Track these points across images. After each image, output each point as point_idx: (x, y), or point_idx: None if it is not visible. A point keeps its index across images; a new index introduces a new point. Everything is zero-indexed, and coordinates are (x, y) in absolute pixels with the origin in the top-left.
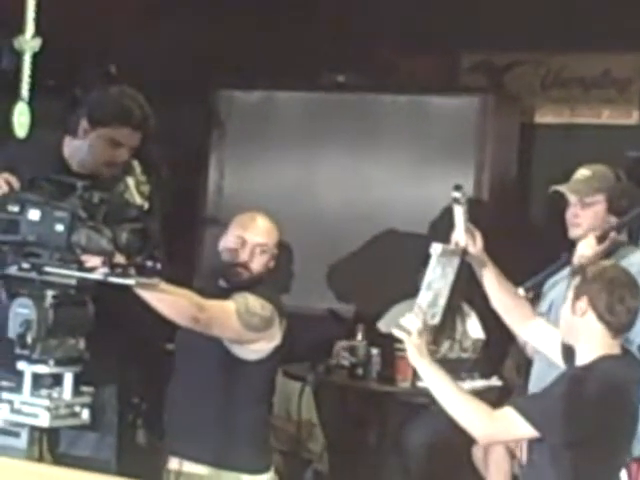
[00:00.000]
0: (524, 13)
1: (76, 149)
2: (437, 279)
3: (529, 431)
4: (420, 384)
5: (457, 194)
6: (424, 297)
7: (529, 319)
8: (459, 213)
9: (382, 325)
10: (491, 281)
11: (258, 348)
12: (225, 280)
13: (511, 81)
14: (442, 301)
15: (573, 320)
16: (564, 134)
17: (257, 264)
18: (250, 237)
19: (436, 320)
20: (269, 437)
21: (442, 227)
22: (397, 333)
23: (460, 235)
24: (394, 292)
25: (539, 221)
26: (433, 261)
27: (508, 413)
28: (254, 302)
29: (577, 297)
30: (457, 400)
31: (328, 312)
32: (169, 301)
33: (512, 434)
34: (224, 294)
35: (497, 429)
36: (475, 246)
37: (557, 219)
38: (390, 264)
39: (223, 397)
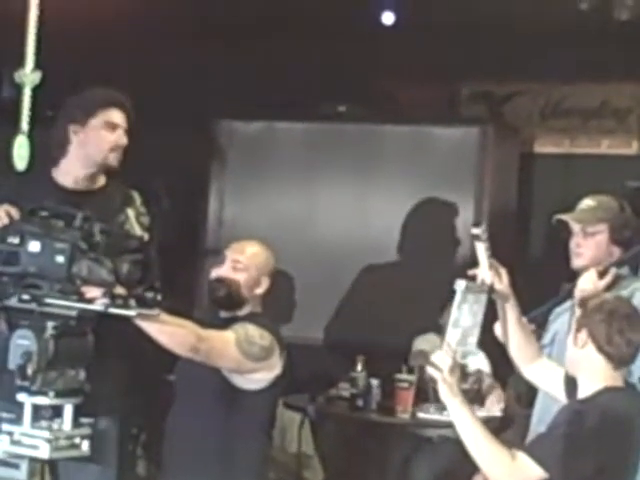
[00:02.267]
0: (523, 44)
1: (68, 165)
2: (464, 317)
3: (543, 474)
4: (421, 415)
5: (477, 231)
6: (452, 334)
7: (536, 359)
8: (481, 250)
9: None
10: (512, 318)
11: (258, 378)
12: (211, 301)
13: (511, 111)
14: (472, 340)
15: (575, 352)
16: (563, 164)
17: (237, 282)
18: (229, 253)
19: (468, 360)
20: (268, 468)
21: (445, 258)
22: (431, 371)
23: (485, 272)
24: (395, 322)
25: (539, 251)
26: (458, 297)
27: (523, 460)
28: (253, 331)
29: (578, 329)
30: (483, 445)
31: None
32: (169, 332)
33: (529, 479)
34: (224, 324)
35: (517, 476)
36: (502, 283)
37: (557, 249)
38: (391, 294)
39: (222, 427)
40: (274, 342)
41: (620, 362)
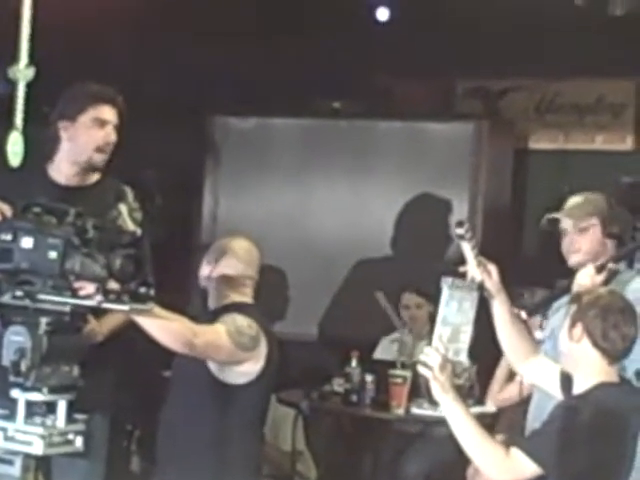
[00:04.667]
0: (518, 39)
1: (59, 160)
2: (453, 314)
3: (537, 470)
4: (415, 411)
5: (460, 230)
6: (441, 332)
7: (530, 356)
8: (467, 249)
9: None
10: (503, 316)
11: (245, 370)
12: (203, 296)
13: (506, 107)
14: (464, 337)
15: (570, 347)
16: (558, 159)
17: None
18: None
19: (461, 357)
20: (260, 463)
21: (439, 253)
22: (422, 370)
23: (473, 270)
24: (390, 318)
25: (533, 246)
26: (445, 294)
27: (517, 455)
28: (241, 321)
29: (573, 324)
30: (476, 441)
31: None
32: (164, 327)
33: (523, 475)
34: (212, 317)
35: (510, 472)
36: (491, 280)
37: (551, 245)
38: (385, 290)
39: (213, 423)
40: (260, 332)
41: (615, 357)
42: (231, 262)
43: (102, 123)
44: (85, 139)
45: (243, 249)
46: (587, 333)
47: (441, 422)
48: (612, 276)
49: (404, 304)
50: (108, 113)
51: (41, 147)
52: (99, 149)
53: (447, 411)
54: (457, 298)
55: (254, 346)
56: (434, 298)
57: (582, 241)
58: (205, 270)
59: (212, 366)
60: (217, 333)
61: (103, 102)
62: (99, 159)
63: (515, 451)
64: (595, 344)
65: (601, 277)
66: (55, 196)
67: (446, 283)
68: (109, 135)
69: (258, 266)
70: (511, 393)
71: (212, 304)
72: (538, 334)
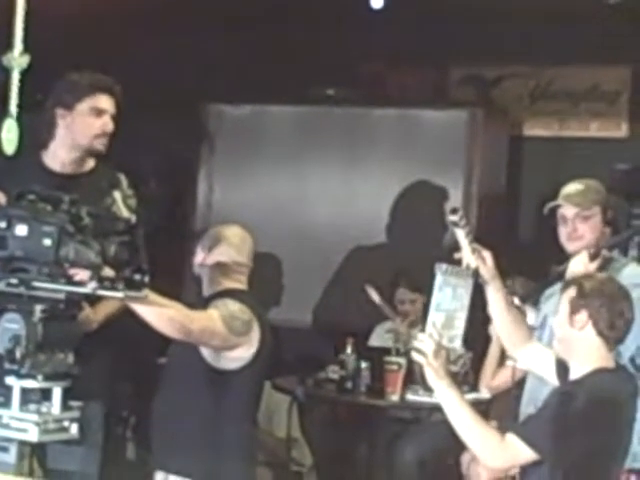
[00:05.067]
0: (513, 26)
1: (56, 148)
2: (448, 300)
3: (533, 455)
4: (410, 397)
5: (454, 217)
6: (435, 318)
7: (527, 343)
8: (461, 236)
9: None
10: (499, 303)
11: (237, 356)
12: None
13: (500, 94)
14: (459, 324)
15: (571, 333)
16: (553, 147)
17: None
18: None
19: (456, 344)
20: (254, 449)
21: (434, 241)
22: (415, 357)
23: (468, 257)
24: (384, 305)
25: (528, 233)
26: (439, 280)
27: (512, 440)
28: (233, 306)
29: (575, 311)
30: (471, 426)
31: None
32: (159, 313)
33: (519, 460)
34: (205, 304)
35: (506, 457)
36: (486, 267)
37: (546, 232)
38: (380, 277)
39: (207, 410)
40: (253, 317)
41: (616, 343)
42: (224, 249)
43: (99, 112)
44: (82, 127)
45: (237, 236)
46: (592, 321)
47: (436, 409)
48: (606, 263)
49: (399, 299)
50: (105, 102)
51: (36, 134)
52: (97, 136)
53: (442, 397)
54: (451, 284)
55: (247, 330)
56: (428, 289)
57: (585, 229)
58: (199, 257)
59: (206, 353)
60: (211, 319)
61: (101, 91)
62: (100, 144)
63: (511, 436)
64: (600, 333)
65: (595, 264)
66: (50, 183)
67: (440, 269)
68: (106, 124)
69: (252, 253)
70: (504, 379)
71: (206, 291)
72: (529, 320)
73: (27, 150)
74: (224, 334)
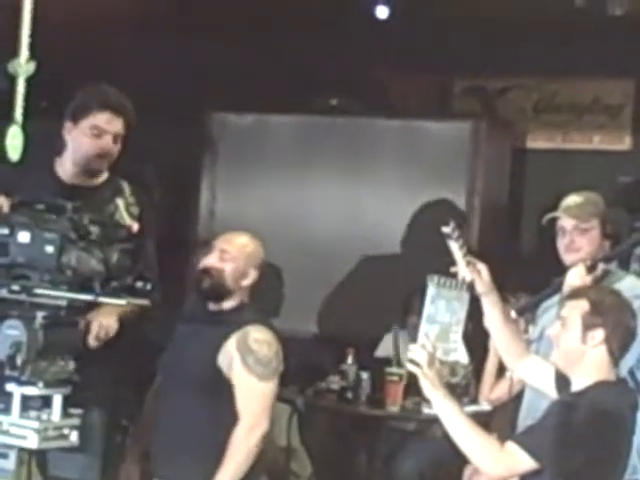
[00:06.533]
0: (516, 39)
1: (64, 159)
2: (441, 313)
3: (532, 464)
4: (410, 408)
5: (446, 230)
6: (427, 329)
7: (524, 356)
8: (455, 248)
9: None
10: (496, 316)
11: None
12: (197, 292)
13: (503, 106)
14: (455, 337)
15: (581, 349)
16: (556, 159)
17: (223, 272)
18: (218, 243)
19: (454, 357)
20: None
21: (436, 252)
22: (411, 368)
23: (463, 270)
24: (386, 316)
25: (530, 245)
26: (431, 292)
27: (512, 449)
28: (259, 346)
29: (590, 327)
30: (469, 436)
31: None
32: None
33: (518, 469)
34: (212, 318)
35: (505, 466)
36: (482, 280)
37: (548, 244)
38: (381, 287)
39: (210, 418)
40: (275, 340)
41: (621, 358)
42: (239, 262)
43: (100, 132)
44: (79, 145)
45: (249, 247)
46: (607, 341)
47: (436, 420)
48: (604, 276)
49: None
50: (109, 122)
51: (43, 142)
52: (95, 156)
53: (438, 408)
54: (444, 297)
55: (280, 363)
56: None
57: (583, 241)
58: (212, 261)
59: (224, 365)
60: (252, 397)
61: (106, 110)
62: (97, 164)
63: (511, 444)
64: (611, 351)
65: (591, 277)
66: (57, 192)
67: (432, 281)
68: (105, 145)
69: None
70: (502, 391)
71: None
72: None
73: (37, 158)
74: (265, 391)
